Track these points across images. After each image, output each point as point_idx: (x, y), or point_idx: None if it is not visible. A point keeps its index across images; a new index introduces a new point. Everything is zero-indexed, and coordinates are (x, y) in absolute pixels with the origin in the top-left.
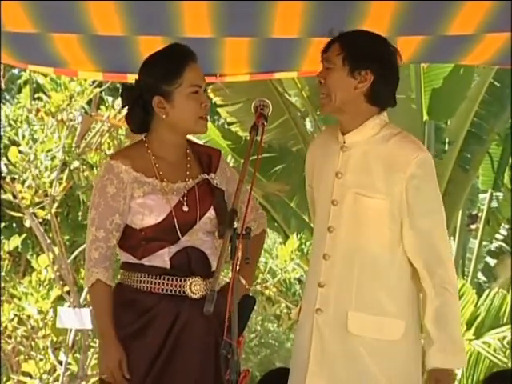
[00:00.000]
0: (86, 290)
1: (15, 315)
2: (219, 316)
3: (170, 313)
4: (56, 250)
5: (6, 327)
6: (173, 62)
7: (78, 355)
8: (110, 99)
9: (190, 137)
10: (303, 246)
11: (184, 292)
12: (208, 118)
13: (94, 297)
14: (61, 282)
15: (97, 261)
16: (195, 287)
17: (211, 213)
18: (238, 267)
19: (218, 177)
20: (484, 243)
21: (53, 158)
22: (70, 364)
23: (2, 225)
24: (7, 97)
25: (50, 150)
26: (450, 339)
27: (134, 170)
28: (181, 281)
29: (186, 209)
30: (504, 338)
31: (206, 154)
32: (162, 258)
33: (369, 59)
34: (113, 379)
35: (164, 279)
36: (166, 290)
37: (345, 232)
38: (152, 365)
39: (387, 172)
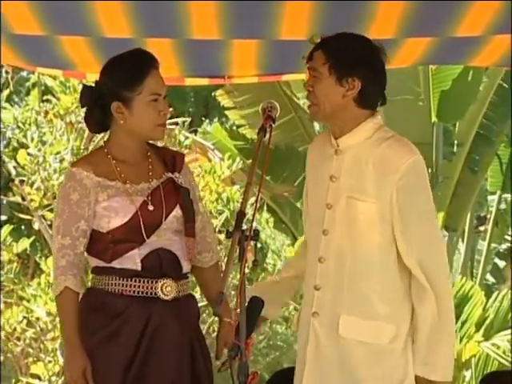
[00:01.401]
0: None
1: (24, 317)
2: (191, 317)
3: (141, 315)
4: None
5: (14, 329)
6: (134, 69)
7: None
8: None
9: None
10: None
11: (156, 294)
12: (166, 124)
13: (62, 304)
14: None
15: (64, 268)
16: (167, 289)
17: (177, 211)
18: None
19: (182, 176)
20: (493, 245)
21: (61, 161)
22: None
23: (11, 227)
24: (16, 99)
25: (58, 153)
26: (435, 352)
27: (96, 175)
28: (152, 282)
29: (151, 208)
30: None
31: (169, 154)
32: (133, 260)
33: (355, 66)
34: None
35: (135, 281)
36: (138, 292)
37: (338, 235)
38: (128, 368)
39: (379, 175)
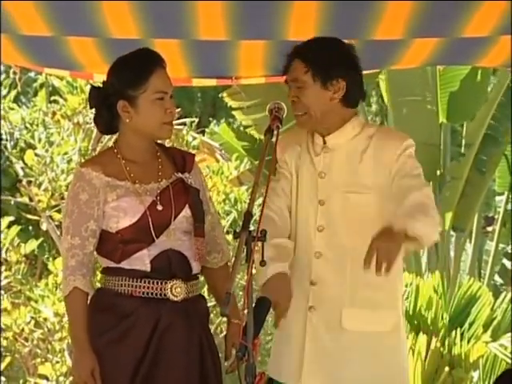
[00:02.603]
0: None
1: (32, 318)
2: (201, 317)
3: (151, 316)
4: None
5: (22, 330)
6: (139, 68)
7: None
8: None
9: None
10: None
11: (165, 295)
12: (173, 123)
13: (71, 304)
14: None
15: (74, 268)
16: (176, 290)
17: (187, 211)
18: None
19: (192, 176)
20: (501, 245)
21: (69, 161)
22: None
23: (19, 228)
24: (23, 100)
25: (66, 153)
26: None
27: (106, 175)
28: (161, 283)
29: (160, 208)
30: None
31: (179, 154)
32: (143, 260)
33: (336, 68)
34: None
35: (145, 282)
36: (147, 294)
37: (337, 230)
38: (137, 369)
39: (375, 164)
